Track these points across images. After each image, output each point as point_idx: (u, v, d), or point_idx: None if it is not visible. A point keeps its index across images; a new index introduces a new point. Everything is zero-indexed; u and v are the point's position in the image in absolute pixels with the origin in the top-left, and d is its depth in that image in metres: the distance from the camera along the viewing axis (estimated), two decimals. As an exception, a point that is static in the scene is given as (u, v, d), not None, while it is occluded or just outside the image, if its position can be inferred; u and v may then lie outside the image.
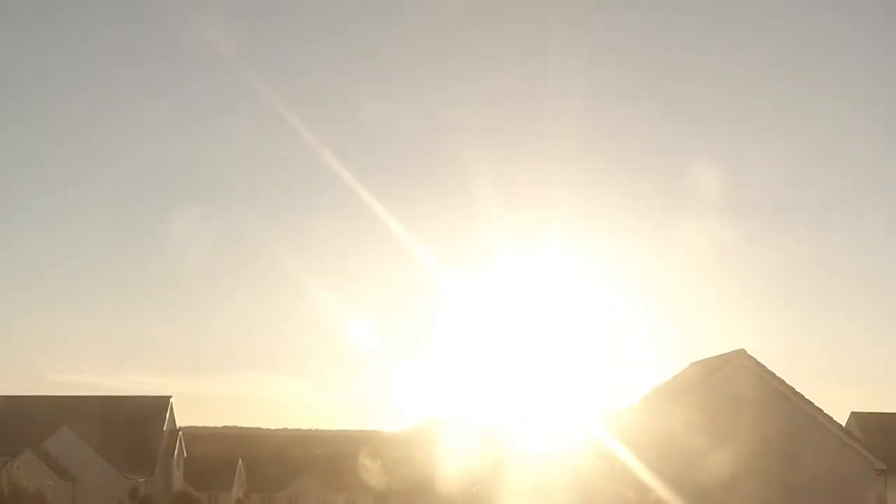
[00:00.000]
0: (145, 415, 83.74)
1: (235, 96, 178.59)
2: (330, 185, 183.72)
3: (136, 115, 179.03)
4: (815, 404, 37.16)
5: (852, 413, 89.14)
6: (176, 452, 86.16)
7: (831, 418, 37.49)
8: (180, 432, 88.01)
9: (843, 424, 49.50)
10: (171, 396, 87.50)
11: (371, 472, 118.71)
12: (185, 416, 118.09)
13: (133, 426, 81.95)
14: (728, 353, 38.44)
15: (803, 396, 37.14)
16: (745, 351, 37.66)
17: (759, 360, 37.63)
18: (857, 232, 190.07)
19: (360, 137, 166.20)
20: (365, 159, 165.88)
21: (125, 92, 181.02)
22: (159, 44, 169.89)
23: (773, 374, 37.46)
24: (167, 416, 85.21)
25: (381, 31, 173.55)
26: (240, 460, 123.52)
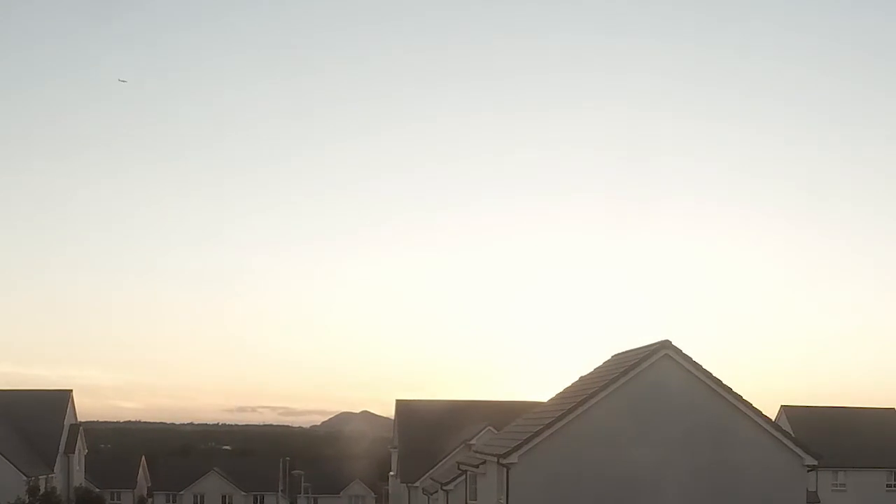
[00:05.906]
0: (44, 409, 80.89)
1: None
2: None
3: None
4: (743, 397, 36.30)
5: (782, 406, 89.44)
6: (77, 448, 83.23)
7: (760, 412, 36.71)
8: (81, 427, 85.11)
9: (773, 418, 48.91)
10: (71, 390, 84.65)
11: (282, 467, 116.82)
12: (87, 410, 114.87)
13: (32, 421, 79.17)
14: (653, 344, 37.35)
15: (731, 389, 36.27)
16: (671, 342, 36.57)
17: (684, 351, 36.58)
18: (789, 225, 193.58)
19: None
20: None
21: None
22: None
23: (700, 365, 36.52)
24: (67, 410, 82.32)
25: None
26: (143, 457, 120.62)
